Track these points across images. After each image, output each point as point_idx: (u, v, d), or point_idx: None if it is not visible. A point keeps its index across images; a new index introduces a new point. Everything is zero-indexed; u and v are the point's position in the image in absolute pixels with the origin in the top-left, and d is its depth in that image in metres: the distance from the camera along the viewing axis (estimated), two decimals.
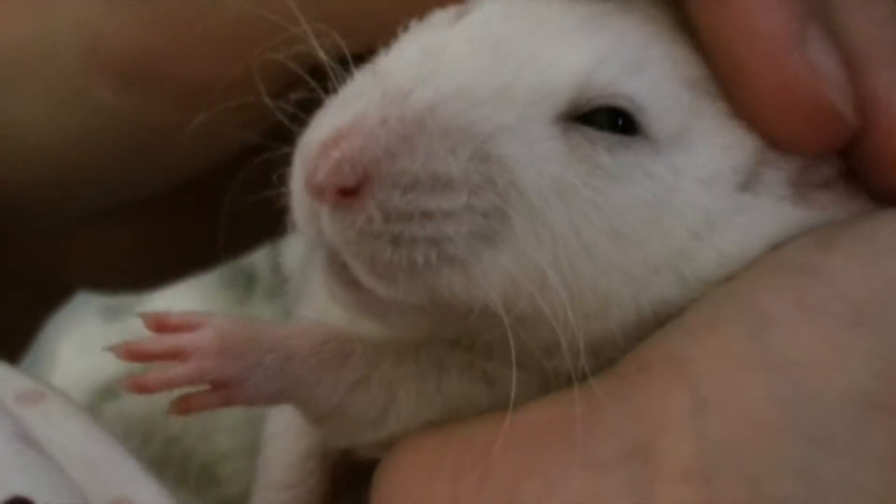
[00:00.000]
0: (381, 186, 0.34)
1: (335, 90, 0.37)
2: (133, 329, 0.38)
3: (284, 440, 0.44)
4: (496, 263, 0.35)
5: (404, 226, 0.34)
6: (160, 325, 0.37)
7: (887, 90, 0.37)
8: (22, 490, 0.33)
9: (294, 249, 0.53)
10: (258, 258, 0.61)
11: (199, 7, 0.41)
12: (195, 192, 0.47)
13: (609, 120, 0.36)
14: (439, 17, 0.39)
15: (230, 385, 0.37)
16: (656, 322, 0.37)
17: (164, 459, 0.53)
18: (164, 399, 0.37)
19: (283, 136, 0.37)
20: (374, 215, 0.34)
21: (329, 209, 0.34)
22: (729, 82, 0.38)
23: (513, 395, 0.35)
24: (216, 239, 0.45)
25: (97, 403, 0.53)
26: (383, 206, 0.34)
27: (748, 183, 0.38)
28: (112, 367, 0.47)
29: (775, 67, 0.36)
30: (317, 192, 0.34)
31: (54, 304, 0.53)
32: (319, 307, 0.42)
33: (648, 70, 0.37)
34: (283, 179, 0.37)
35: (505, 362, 0.37)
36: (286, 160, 0.37)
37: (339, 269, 0.36)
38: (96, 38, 0.42)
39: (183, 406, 0.37)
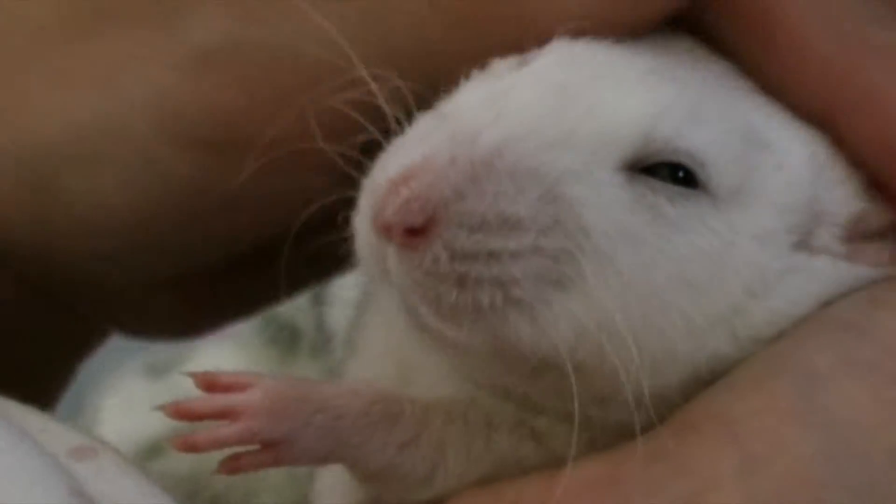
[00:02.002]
0: (448, 226, 0.33)
1: (395, 134, 0.36)
2: (177, 387, 0.37)
3: (332, 497, 0.43)
4: (565, 308, 0.34)
5: (470, 266, 0.34)
6: (210, 384, 0.36)
7: None
8: None
9: (338, 308, 0.52)
10: (301, 315, 0.61)
11: (274, 61, 0.40)
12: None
13: (671, 173, 0.36)
14: (500, 66, 0.38)
15: (280, 445, 0.36)
16: (707, 379, 0.36)
17: None
18: (208, 458, 0.37)
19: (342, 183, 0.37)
20: (441, 255, 0.33)
21: (396, 248, 0.34)
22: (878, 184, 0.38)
23: (573, 447, 0.34)
24: (269, 281, 0.44)
25: (142, 461, 0.52)
26: (450, 246, 0.33)
27: (802, 242, 0.37)
28: (157, 425, 0.46)
29: None
30: (385, 230, 0.34)
31: (88, 346, 0.52)
32: (369, 364, 0.42)
33: (708, 124, 0.37)
34: (345, 223, 0.36)
35: (555, 417, 0.37)
36: (344, 205, 0.36)
37: (409, 310, 0.35)
38: (172, 108, 0.41)
39: (233, 465, 0.36)
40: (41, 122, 0.43)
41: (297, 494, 0.45)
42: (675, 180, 0.36)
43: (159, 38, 0.42)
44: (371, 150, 0.36)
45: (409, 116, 0.37)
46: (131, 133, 0.42)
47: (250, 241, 0.45)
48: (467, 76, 0.38)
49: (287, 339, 0.61)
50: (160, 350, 0.60)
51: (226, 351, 0.59)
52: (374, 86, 0.37)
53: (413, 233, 0.33)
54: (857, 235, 0.38)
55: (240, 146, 0.41)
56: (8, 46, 0.44)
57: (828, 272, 0.37)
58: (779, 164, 0.37)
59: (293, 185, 0.40)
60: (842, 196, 0.38)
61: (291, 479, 0.50)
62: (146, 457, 0.52)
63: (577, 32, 0.38)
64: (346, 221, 0.36)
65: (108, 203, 0.43)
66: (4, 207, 0.43)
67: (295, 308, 0.61)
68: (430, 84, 0.38)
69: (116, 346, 0.52)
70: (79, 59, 0.43)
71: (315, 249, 0.39)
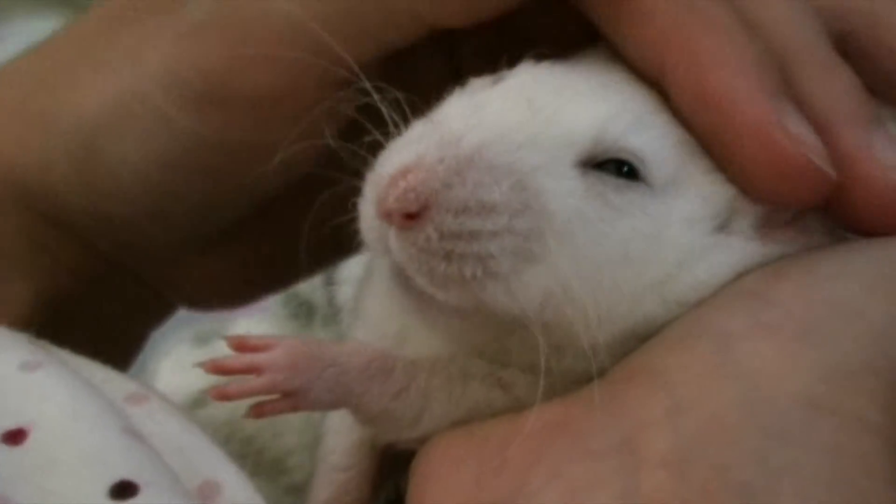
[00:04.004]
0: (438, 211, 0.35)
1: (394, 134, 0.38)
2: (217, 351, 0.38)
3: (341, 433, 0.44)
4: (533, 278, 0.35)
5: (455, 243, 0.35)
6: (240, 345, 0.38)
7: (856, 149, 0.38)
8: (127, 475, 0.33)
9: (345, 287, 0.53)
10: (316, 293, 0.62)
11: (246, 20, 0.41)
12: (277, 221, 0.47)
13: (617, 168, 0.37)
14: (477, 83, 0.40)
15: (297, 394, 0.38)
16: (642, 336, 0.37)
17: (242, 454, 0.53)
18: (242, 406, 0.38)
19: (346, 172, 0.38)
20: (432, 235, 0.35)
21: (396, 230, 0.35)
22: (720, 156, 0.38)
23: (539, 392, 0.36)
24: (295, 261, 0.45)
25: (189, 410, 0.53)
26: (439, 228, 0.35)
27: (722, 226, 0.38)
28: (201, 381, 0.47)
29: (765, 145, 0.37)
30: (386, 215, 0.35)
31: (156, 319, 0.53)
32: (371, 327, 0.42)
33: (647, 128, 0.38)
34: (353, 207, 0.38)
35: (519, 368, 0.38)
36: (352, 192, 0.38)
37: (404, 280, 0.37)
38: (179, 72, 0.42)
39: (259, 410, 0.38)
40: (83, 100, 0.44)
41: (313, 435, 0.45)
42: (621, 174, 0.37)
43: (168, 20, 0.43)
44: (374, 149, 0.38)
45: (406, 122, 0.38)
46: (150, 100, 0.43)
47: (266, 191, 0.46)
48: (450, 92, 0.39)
49: (305, 313, 0.62)
50: (205, 322, 0.61)
51: (256, 322, 0.60)
52: (376, 96, 0.38)
53: (409, 217, 0.35)
54: (768, 225, 0.39)
55: (231, 98, 0.42)
56: (66, 51, 0.46)
57: (742, 250, 0.38)
58: (707, 167, 0.38)
59: (286, 134, 0.41)
60: None
61: (309, 422, 0.51)
62: (191, 407, 0.53)
63: (541, 56, 0.40)
64: (354, 207, 0.38)
65: (138, 165, 0.43)
66: (61, 177, 0.44)
67: (311, 287, 0.62)
68: (420, 95, 0.39)
69: (171, 319, 0.53)
70: (113, 50, 0.44)
71: (332, 232, 0.39)
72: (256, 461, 0.54)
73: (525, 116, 0.37)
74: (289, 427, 0.54)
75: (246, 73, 0.41)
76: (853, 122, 0.38)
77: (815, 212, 0.39)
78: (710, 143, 0.38)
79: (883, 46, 0.41)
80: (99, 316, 0.48)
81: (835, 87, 0.39)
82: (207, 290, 0.50)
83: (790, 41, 0.39)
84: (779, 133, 0.36)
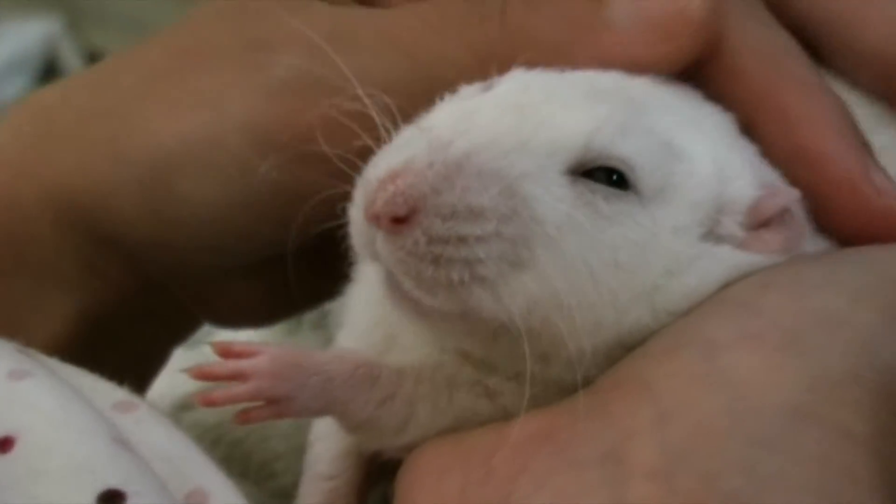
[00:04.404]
0: (426, 216, 0.35)
1: (384, 142, 0.38)
2: (205, 356, 0.38)
3: (327, 441, 0.44)
4: (520, 284, 0.35)
5: (444, 248, 0.35)
6: (225, 352, 0.38)
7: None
8: (115, 483, 0.33)
9: None
10: None
11: (329, 88, 0.42)
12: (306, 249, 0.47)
13: (607, 176, 0.37)
14: (467, 90, 0.40)
15: (281, 401, 0.38)
16: (630, 345, 0.37)
17: (230, 458, 0.53)
18: (230, 411, 0.38)
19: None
20: (420, 239, 0.35)
21: (384, 234, 0.35)
22: (814, 203, 0.40)
23: (525, 401, 0.36)
24: (319, 284, 0.46)
25: (177, 413, 0.53)
26: (427, 232, 0.35)
27: (710, 233, 0.38)
28: (189, 385, 0.47)
29: (854, 197, 0.40)
30: (374, 219, 0.35)
31: (184, 335, 0.53)
32: (356, 334, 0.43)
33: (636, 137, 0.38)
34: (343, 213, 0.38)
35: (505, 377, 0.38)
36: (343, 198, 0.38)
37: (394, 285, 0.37)
38: (260, 124, 0.43)
39: (244, 417, 0.38)
40: (159, 138, 0.44)
41: (301, 440, 0.45)
42: (611, 182, 0.37)
43: (250, 73, 0.44)
44: (364, 154, 0.38)
45: (396, 127, 0.38)
46: (228, 145, 0.43)
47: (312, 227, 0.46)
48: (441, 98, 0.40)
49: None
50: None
51: None
52: (367, 101, 0.38)
53: (398, 221, 0.35)
54: (756, 223, 0.39)
55: (303, 154, 0.42)
56: (131, 82, 0.46)
57: (729, 258, 0.38)
58: (690, 170, 0.38)
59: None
60: (739, 189, 0.39)
61: (297, 427, 0.51)
62: (181, 410, 0.53)
63: (531, 64, 0.40)
64: (344, 211, 0.38)
65: (209, 200, 0.44)
66: (128, 203, 0.45)
67: None
68: (412, 102, 0.39)
69: None
70: (188, 89, 0.45)
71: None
72: (244, 465, 0.54)
73: (515, 123, 0.37)
74: (276, 431, 0.54)
75: (333, 136, 0.41)
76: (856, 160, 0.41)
77: (802, 215, 0.39)
78: (805, 193, 0.40)
79: None
80: (135, 334, 0.49)
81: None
82: (239, 311, 0.51)
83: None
84: (867, 187, 0.40)
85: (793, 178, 0.40)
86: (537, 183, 0.36)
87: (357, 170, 0.37)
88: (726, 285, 0.38)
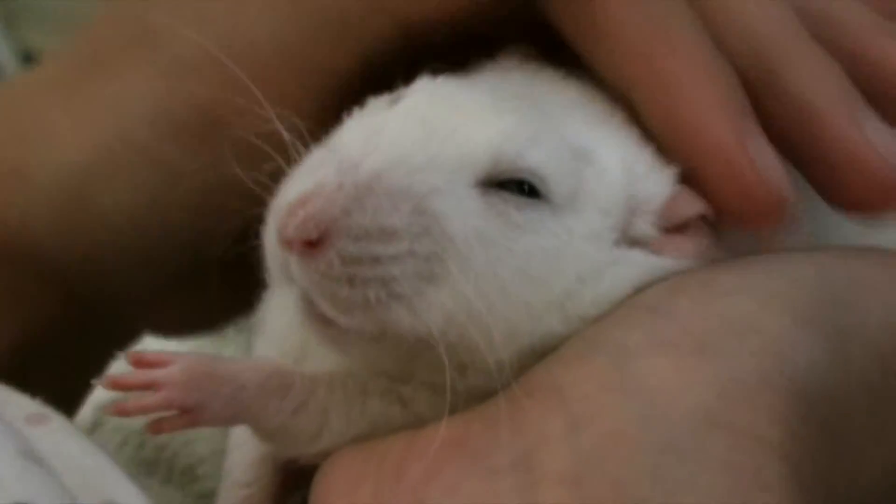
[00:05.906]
0: (338, 237, 0.35)
1: (295, 163, 0.38)
2: (121, 366, 0.38)
3: (244, 448, 0.44)
4: (436, 299, 0.35)
5: (358, 268, 0.35)
6: (138, 361, 0.38)
7: (847, 132, 0.38)
8: (23, 498, 0.33)
9: None
10: None
11: (234, 54, 0.41)
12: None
13: (518, 187, 0.37)
14: (375, 104, 0.40)
15: (193, 410, 0.37)
16: (544, 353, 0.37)
17: (154, 462, 0.53)
18: (154, 415, 0.37)
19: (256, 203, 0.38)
20: (333, 261, 0.35)
21: (297, 257, 0.35)
22: (691, 176, 0.39)
23: (446, 412, 0.35)
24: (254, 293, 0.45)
25: (101, 417, 0.53)
26: (341, 253, 0.35)
27: (622, 237, 0.38)
28: (112, 393, 0.47)
29: (729, 170, 0.37)
30: (287, 244, 0.35)
31: (123, 346, 0.51)
32: (273, 341, 0.43)
33: (544, 146, 0.37)
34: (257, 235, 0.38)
35: (419, 385, 0.38)
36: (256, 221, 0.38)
37: (309, 306, 0.37)
38: (165, 107, 0.43)
39: (156, 427, 0.37)
40: (67, 155, 0.44)
41: (224, 443, 0.45)
42: (522, 192, 0.37)
43: (149, 54, 0.44)
44: (277, 176, 0.38)
45: (307, 148, 0.38)
46: (137, 142, 0.43)
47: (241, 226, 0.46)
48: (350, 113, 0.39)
49: None
50: None
51: None
52: (278, 123, 0.38)
53: (310, 244, 0.35)
54: (671, 224, 0.39)
55: (212, 131, 0.42)
56: (35, 95, 0.46)
57: (642, 263, 0.38)
58: (600, 175, 0.38)
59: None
60: (650, 187, 0.39)
61: (221, 431, 0.50)
62: (103, 415, 0.53)
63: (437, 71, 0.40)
64: (258, 235, 0.38)
65: (126, 208, 0.44)
66: (46, 229, 0.44)
67: None
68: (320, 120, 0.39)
69: None
70: (88, 98, 0.44)
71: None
72: (169, 468, 0.53)
73: (422, 138, 0.37)
74: (200, 435, 0.54)
75: (226, 105, 0.41)
76: (842, 106, 0.39)
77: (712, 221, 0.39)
78: (681, 163, 0.39)
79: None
80: (70, 353, 0.48)
81: (821, 73, 0.39)
82: (178, 320, 0.51)
83: (772, 32, 0.40)
84: (743, 159, 0.37)
85: (668, 150, 0.39)
86: (447, 198, 0.36)
87: (270, 190, 0.37)
88: (639, 290, 0.38)
